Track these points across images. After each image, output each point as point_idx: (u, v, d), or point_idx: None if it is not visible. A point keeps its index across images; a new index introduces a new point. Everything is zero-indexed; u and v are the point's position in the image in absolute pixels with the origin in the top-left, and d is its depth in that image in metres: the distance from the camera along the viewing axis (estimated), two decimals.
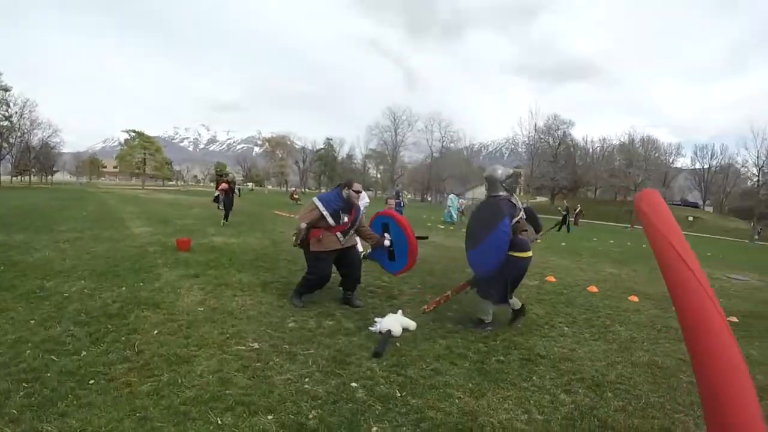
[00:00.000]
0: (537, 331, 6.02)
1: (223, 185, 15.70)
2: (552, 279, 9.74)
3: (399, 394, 3.82)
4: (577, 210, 33.35)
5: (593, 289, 9.06)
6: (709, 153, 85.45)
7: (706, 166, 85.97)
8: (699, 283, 1.78)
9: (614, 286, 9.86)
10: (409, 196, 70.99)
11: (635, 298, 8.52)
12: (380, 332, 5.15)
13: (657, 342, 5.99)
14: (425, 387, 4.09)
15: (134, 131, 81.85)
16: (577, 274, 11.11)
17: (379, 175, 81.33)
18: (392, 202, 10.99)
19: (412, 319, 5.74)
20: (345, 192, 6.10)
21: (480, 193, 30.93)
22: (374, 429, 3.32)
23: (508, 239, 5.30)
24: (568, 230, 27.14)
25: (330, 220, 5.98)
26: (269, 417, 3.32)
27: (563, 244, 18.54)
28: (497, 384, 4.32)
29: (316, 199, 6.14)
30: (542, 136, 72.27)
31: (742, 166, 74.50)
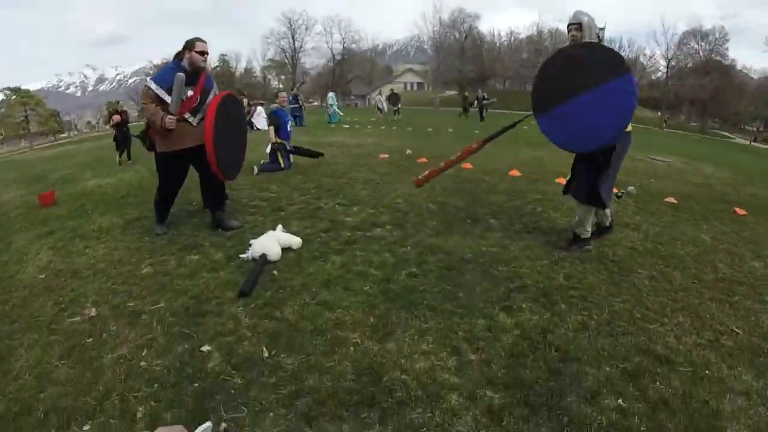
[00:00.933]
0: (457, 227, 4.77)
1: (115, 117, 12.78)
2: (468, 165, 8.40)
3: (267, 355, 2.64)
4: (491, 101, 32.10)
5: (515, 173, 7.94)
6: (617, 46, 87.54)
7: None
8: None
9: (538, 168, 8.77)
10: (315, 103, 67.28)
11: (563, 180, 7.43)
12: (254, 259, 3.89)
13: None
14: (307, 334, 2.83)
15: (9, 89, 70.82)
16: (496, 159, 9.52)
17: (281, 85, 76.17)
18: (284, 95, 9.19)
19: (300, 233, 4.39)
20: (186, 57, 4.45)
21: (387, 92, 28.63)
22: (223, 425, 2.12)
23: (635, 101, 3.55)
24: (482, 119, 26.16)
25: (169, 98, 4.35)
26: (85, 429, 2.18)
27: (476, 131, 17.43)
28: (410, 311, 3.07)
29: (148, 80, 4.51)
30: (448, 30, 70.36)
31: (650, 58, 76.97)
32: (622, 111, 3.54)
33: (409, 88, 75.16)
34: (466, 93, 29.28)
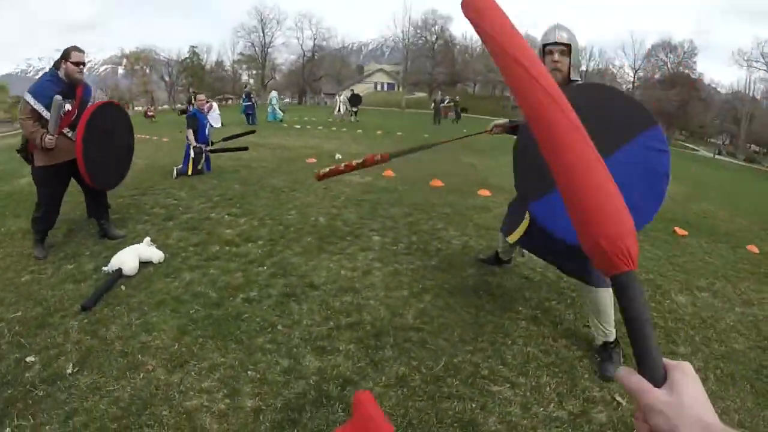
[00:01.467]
0: (332, 245, 4.42)
1: None
2: (390, 173, 8.09)
3: (70, 371, 2.52)
4: (449, 103, 31.44)
5: (437, 182, 7.61)
6: (588, 54, 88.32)
7: (583, 68, 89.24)
8: (546, 92, 0.87)
9: (465, 179, 8.42)
10: (286, 100, 66.37)
11: (486, 192, 7.18)
12: (112, 272, 3.78)
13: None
14: (113, 355, 2.68)
15: None
16: (425, 167, 9.03)
17: (251, 80, 75.27)
18: (202, 98, 8.77)
19: (173, 246, 4.28)
20: (62, 69, 4.20)
21: (358, 91, 27.10)
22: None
23: (669, 160, 2.47)
24: (438, 122, 25.74)
25: (47, 114, 4.13)
26: None
27: (426, 135, 17.12)
28: (216, 342, 2.78)
29: (26, 93, 4.26)
30: (419, 31, 70.33)
31: (619, 68, 78.08)
32: (658, 177, 2.44)
33: (379, 88, 74.55)
34: (442, 98, 27.61)
